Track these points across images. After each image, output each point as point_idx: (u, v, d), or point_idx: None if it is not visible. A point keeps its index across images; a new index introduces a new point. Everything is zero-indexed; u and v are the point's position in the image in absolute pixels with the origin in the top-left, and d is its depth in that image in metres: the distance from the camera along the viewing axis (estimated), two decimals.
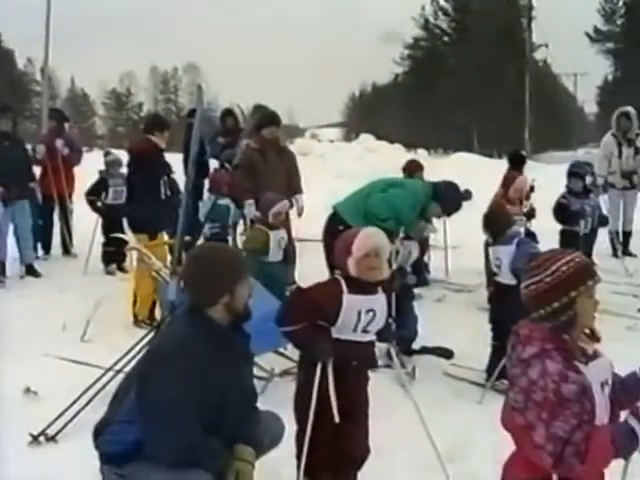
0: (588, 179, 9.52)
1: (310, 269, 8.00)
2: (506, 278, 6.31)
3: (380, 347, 5.21)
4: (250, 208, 8.50)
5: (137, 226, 7.94)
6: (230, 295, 3.58)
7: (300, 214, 8.99)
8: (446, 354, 6.84)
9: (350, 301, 4.08)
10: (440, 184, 6.95)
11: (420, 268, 7.00)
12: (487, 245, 7.15)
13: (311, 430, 4.11)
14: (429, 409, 4.91)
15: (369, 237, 4.20)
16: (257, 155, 8.89)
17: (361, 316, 4.11)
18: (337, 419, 4.05)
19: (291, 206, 8.70)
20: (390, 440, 4.98)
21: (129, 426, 3.53)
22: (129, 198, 8.43)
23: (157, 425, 3.41)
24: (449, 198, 6.88)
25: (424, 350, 6.91)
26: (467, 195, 7.48)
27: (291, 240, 8.67)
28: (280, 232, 7.41)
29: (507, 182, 9.46)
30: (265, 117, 9.27)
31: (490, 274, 7.10)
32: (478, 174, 11.23)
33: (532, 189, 10.32)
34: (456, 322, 7.99)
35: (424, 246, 7.75)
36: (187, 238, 5.75)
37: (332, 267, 6.49)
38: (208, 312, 3.61)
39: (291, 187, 8.99)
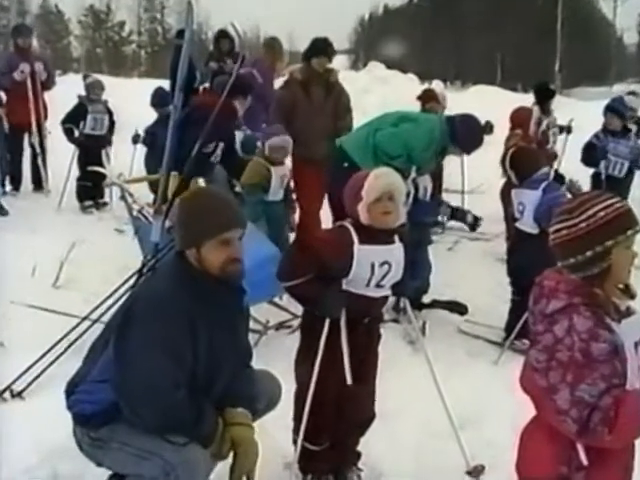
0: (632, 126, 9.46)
1: None
2: (528, 225, 6.31)
3: None
4: None
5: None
6: (197, 251, 3.54)
7: None
8: (460, 309, 6.85)
9: (362, 253, 4.00)
10: (457, 118, 6.84)
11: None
12: (507, 188, 7.12)
13: (314, 390, 4.11)
14: (440, 369, 4.90)
15: (381, 178, 4.08)
16: (299, 89, 8.42)
17: (375, 269, 4.03)
18: (349, 380, 4.05)
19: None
20: (396, 403, 5.02)
21: (105, 384, 3.49)
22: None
23: (136, 385, 3.37)
24: (467, 133, 6.76)
25: (435, 304, 6.92)
26: (488, 128, 7.34)
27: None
28: (282, 169, 7.41)
29: (520, 120, 9.35)
30: (316, 45, 8.58)
31: (510, 221, 7.08)
32: (500, 110, 11.02)
33: (569, 130, 10.25)
34: (472, 274, 8.01)
35: (437, 183, 7.59)
36: (174, 174, 5.72)
37: (335, 209, 6.48)
38: (187, 257, 3.60)
39: (337, 130, 8.26)
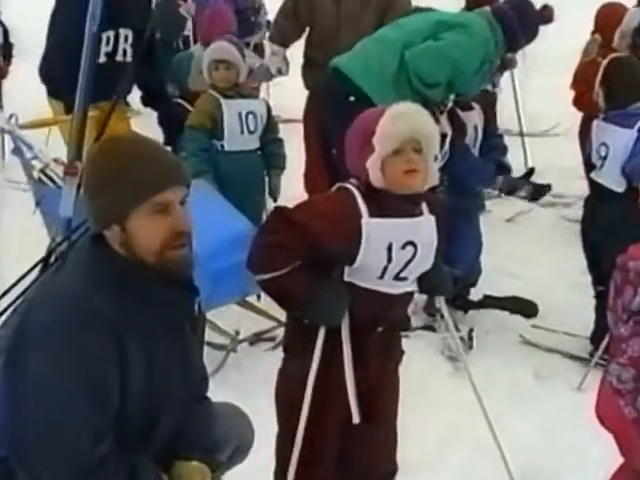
0: None
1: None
2: (611, 178, 6.12)
3: (416, 297, 5.13)
4: (273, 59, 8.25)
5: (55, 88, 7.39)
6: (121, 229, 3.37)
7: None
8: (525, 310, 6.84)
9: (373, 230, 3.93)
10: (505, 6, 6.73)
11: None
12: (587, 126, 7.07)
13: (304, 434, 4.08)
14: (494, 399, 4.92)
15: (402, 119, 3.96)
16: None
17: (392, 254, 3.97)
18: (357, 419, 4.04)
19: None
20: (428, 450, 5.05)
21: None
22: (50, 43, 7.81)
23: (36, 435, 3.27)
24: (518, 20, 6.58)
25: (489, 302, 6.91)
26: (546, 15, 7.11)
27: None
28: (246, 103, 7.15)
29: (602, 23, 9.26)
30: None
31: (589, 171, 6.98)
32: (582, 12, 10.99)
33: None
34: (542, 256, 8.02)
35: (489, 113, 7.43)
36: (91, 114, 5.72)
37: (330, 165, 6.41)
38: (108, 241, 3.45)
39: None
